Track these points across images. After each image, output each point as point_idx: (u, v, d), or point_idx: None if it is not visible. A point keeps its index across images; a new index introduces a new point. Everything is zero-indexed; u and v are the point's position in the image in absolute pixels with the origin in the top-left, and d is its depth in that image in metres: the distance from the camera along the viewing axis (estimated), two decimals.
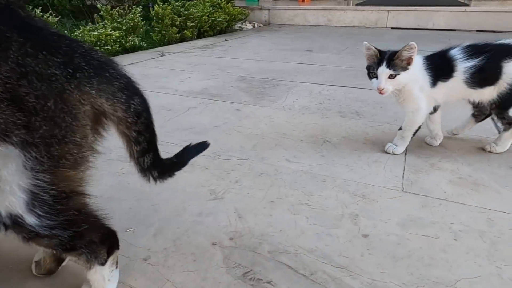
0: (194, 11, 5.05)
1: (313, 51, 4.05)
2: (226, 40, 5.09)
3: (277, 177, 1.41)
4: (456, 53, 1.40)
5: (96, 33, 3.73)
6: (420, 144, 1.66)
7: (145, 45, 4.41)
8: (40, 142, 0.64)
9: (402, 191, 1.30)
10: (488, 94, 1.41)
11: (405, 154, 1.58)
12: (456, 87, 1.41)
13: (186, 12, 4.97)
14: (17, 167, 0.65)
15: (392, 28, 6.10)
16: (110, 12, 4.22)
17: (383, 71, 1.36)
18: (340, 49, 4.15)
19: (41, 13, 3.47)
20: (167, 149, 1.74)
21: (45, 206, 0.69)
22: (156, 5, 4.66)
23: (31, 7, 4.10)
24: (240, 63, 3.54)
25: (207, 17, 5.28)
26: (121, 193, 1.31)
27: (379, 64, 1.37)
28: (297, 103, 2.28)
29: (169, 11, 4.69)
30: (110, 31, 3.90)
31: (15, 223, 0.69)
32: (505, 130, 1.50)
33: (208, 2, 5.64)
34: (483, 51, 1.36)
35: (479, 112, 1.59)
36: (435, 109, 1.53)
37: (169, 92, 2.58)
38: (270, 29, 6.28)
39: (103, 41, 3.80)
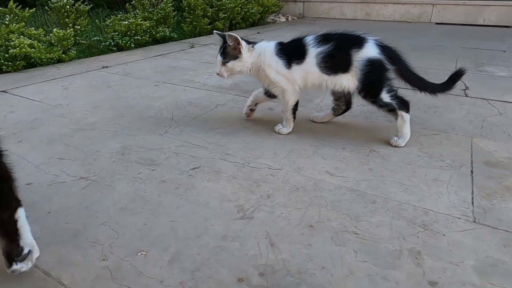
0: (227, 1, 4.86)
1: None
2: (258, 32, 4.87)
3: (316, 193, 1.19)
4: (309, 39, 1.52)
5: (126, 22, 3.62)
6: (487, 160, 1.38)
7: (175, 36, 4.27)
8: None
9: (474, 222, 1.05)
10: (347, 81, 1.47)
11: (471, 171, 1.31)
12: (310, 71, 1.49)
13: (218, 2, 4.79)
14: None
15: (436, 23, 5.63)
16: (142, 1, 4.11)
17: (218, 58, 1.57)
18: None
19: (72, 1, 3.40)
20: (190, 151, 1.59)
21: None
22: None
23: None
24: None
25: (239, 8, 5.07)
26: (136, 203, 1.14)
27: (219, 51, 1.58)
28: None
29: (201, 1, 4.52)
30: (141, 21, 3.78)
31: None
32: (395, 119, 1.51)
33: None
34: (332, 39, 1.47)
35: (338, 107, 1.69)
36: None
37: (196, 87, 2.41)
38: (304, 22, 5.98)
39: (133, 31, 3.69)
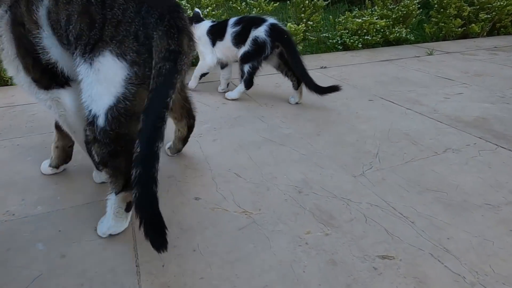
0: None
1: None
2: None
3: None
4: (230, 22, 1.97)
5: (359, 20, 3.29)
6: None
7: (412, 38, 3.63)
8: None
9: None
10: (242, 50, 1.92)
11: None
12: (228, 46, 1.96)
13: (482, 0, 3.72)
14: None
15: None
16: None
17: None
18: None
19: None
20: (386, 220, 0.97)
21: None
22: None
23: None
24: None
25: None
26: (283, 285, 0.81)
27: None
28: None
29: None
30: (376, 19, 3.36)
31: None
32: (240, 82, 1.98)
33: None
34: (242, 21, 1.95)
35: (291, 80, 1.98)
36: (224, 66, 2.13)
37: (422, 112, 1.82)
38: None
39: (364, 30, 3.33)
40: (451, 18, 3.71)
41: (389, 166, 1.31)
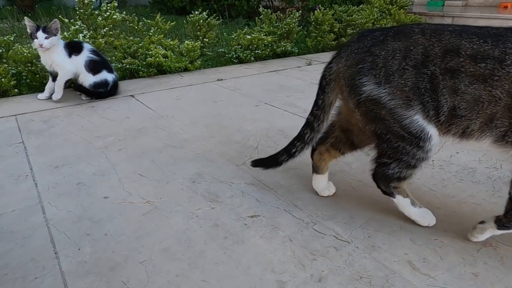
0: (358, 17, 4.57)
1: None
2: None
3: None
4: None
5: (249, 37, 3.75)
6: None
7: (296, 51, 4.24)
8: None
9: None
10: None
11: None
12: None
13: (348, 18, 4.54)
14: None
15: None
16: (270, 16, 4.20)
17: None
18: None
19: (206, 16, 3.70)
20: (257, 192, 1.33)
21: None
22: (318, 9, 4.41)
23: (201, 9, 4.44)
24: None
25: (371, 24, 4.71)
26: (180, 246, 1.09)
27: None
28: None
29: (329, 16, 4.36)
30: (264, 35, 3.87)
31: None
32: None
33: (377, 7, 5.04)
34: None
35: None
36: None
37: (296, 112, 2.28)
38: None
39: (254, 45, 3.80)
40: (326, 33, 4.44)
41: (265, 155, 1.68)
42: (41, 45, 2.25)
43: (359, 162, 1.61)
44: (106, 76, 2.51)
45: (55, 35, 2.29)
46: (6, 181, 1.47)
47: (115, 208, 1.28)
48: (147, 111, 2.31)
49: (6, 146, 1.79)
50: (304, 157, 1.62)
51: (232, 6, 6.45)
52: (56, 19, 2.34)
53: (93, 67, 2.45)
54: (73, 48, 2.44)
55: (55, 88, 2.44)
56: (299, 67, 3.64)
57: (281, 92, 2.73)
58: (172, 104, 2.46)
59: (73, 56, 2.41)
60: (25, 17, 2.30)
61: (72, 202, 1.32)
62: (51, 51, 2.32)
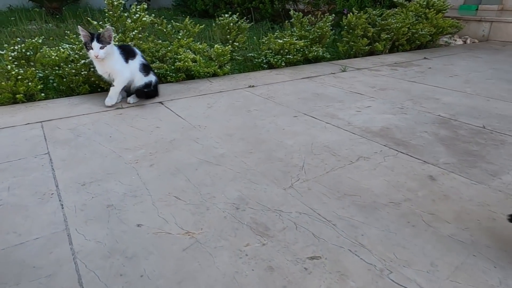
0: (393, 21, 4.32)
1: None
2: (425, 58, 4.15)
3: None
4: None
5: (281, 41, 3.57)
6: None
7: (328, 56, 4.02)
8: None
9: None
10: None
11: None
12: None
13: (382, 22, 4.30)
14: None
15: None
16: (301, 19, 4.00)
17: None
18: None
19: (236, 18, 3.54)
20: (313, 225, 1.15)
21: None
22: (350, 13, 4.18)
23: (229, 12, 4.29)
24: (441, 95, 2.67)
25: (407, 29, 4.45)
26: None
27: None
28: None
29: (363, 20, 4.13)
30: (296, 40, 3.68)
31: None
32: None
33: (412, 11, 4.77)
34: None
35: None
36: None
37: (339, 125, 2.07)
38: (488, 48, 4.85)
39: (286, 50, 3.62)
40: (359, 38, 4.21)
41: (313, 177, 1.50)
42: (96, 56, 2.14)
43: (426, 189, 1.39)
44: (151, 78, 2.48)
45: (109, 43, 2.16)
46: (31, 200, 1.33)
47: (150, 239, 1.11)
48: (178, 120, 2.15)
49: (31, 158, 1.66)
50: (358, 181, 1.42)
51: (256, 9, 6.29)
52: (108, 26, 2.24)
53: (144, 70, 2.42)
54: (128, 53, 2.36)
55: (110, 93, 2.36)
56: (333, 73, 3.43)
57: (318, 101, 2.53)
58: (203, 112, 2.29)
59: (129, 61, 2.34)
60: (78, 26, 2.16)
61: (102, 229, 1.16)
62: (107, 59, 2.21)
